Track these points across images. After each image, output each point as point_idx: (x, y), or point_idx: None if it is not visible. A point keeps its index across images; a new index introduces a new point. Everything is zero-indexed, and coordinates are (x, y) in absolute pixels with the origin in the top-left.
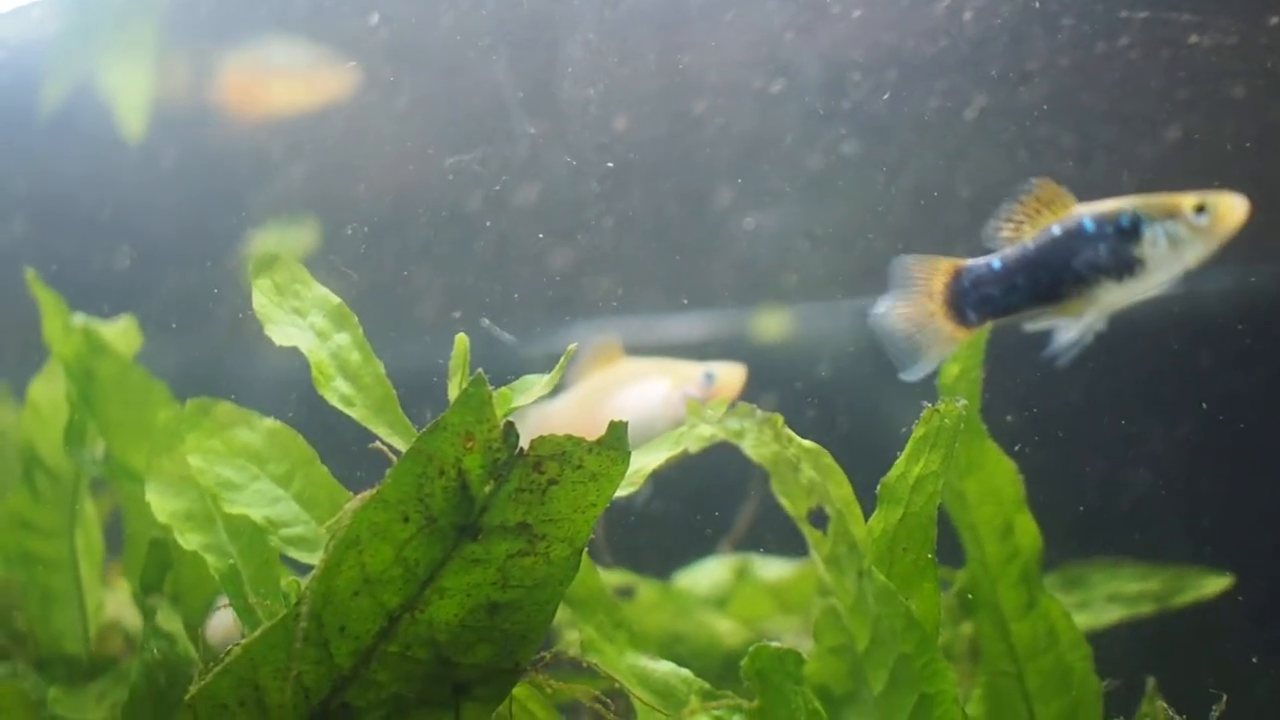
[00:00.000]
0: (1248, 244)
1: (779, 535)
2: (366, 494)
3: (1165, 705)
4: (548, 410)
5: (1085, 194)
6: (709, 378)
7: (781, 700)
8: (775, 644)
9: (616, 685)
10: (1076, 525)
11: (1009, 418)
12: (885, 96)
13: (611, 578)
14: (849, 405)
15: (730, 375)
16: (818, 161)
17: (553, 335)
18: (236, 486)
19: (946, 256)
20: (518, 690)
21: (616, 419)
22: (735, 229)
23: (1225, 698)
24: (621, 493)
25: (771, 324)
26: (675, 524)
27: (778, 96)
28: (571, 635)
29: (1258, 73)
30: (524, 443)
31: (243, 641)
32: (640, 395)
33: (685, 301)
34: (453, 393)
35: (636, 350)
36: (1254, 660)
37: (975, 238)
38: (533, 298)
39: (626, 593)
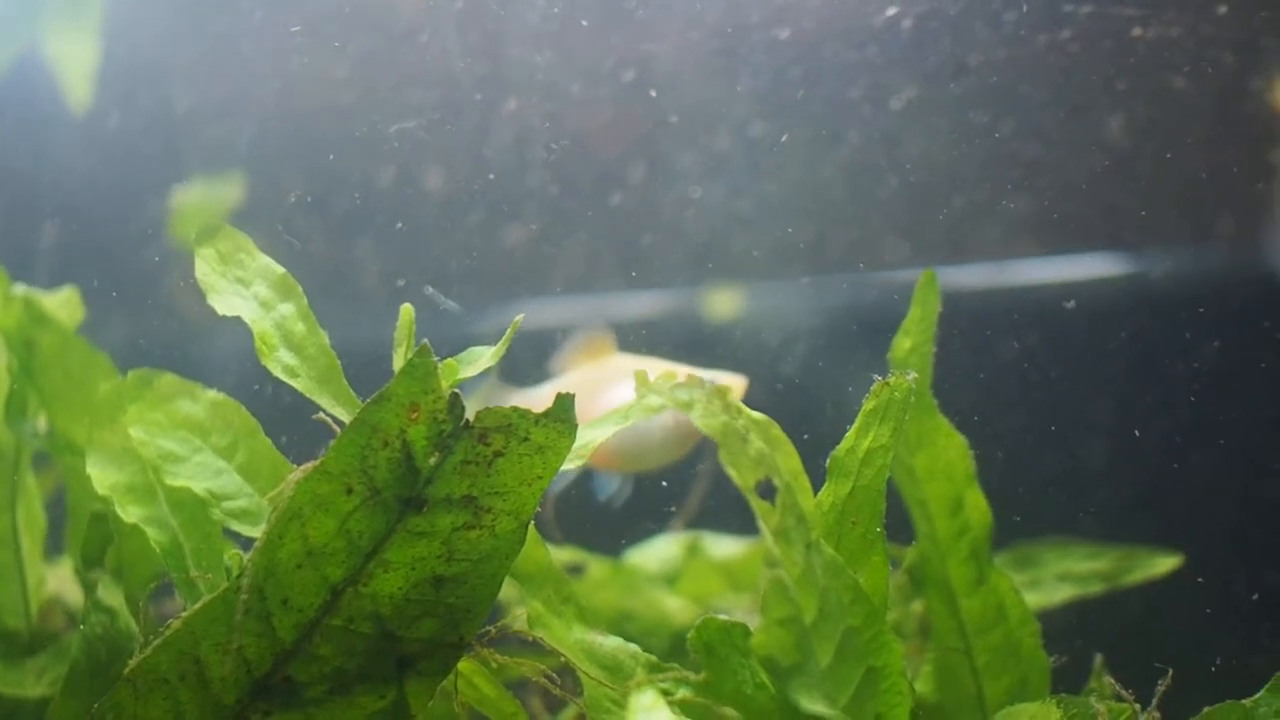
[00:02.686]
0: (1194, 227)
1: (731, 514)
2: (309, 465)
3: (1112, 680)
4: (531, 398)
5: (1025, 181)
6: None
7: (728, 672)
8: (723, 616)
9: (564, 662)
10: (1026, 506)
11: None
12: (836, 80)
13: (561, 555)
14: (802, 384)
15: (730, 385)
16: (770, 140)
17: (500, 312)
18: (178, 459)
19: None
20: (464, 665)
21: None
22: (687, 206)
23: (1171, 671)
24: (569, 466)
25: (723, 302)
26: (627, 503)
27: (729, 75)
28: (520, 612)
29: (1202, 64)
30: None
31: (183, 614)
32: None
33: (635, 278)
34: (398, 363)
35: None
36: (1204, 637)
37: (920, 221)
38: (480, 273)
39: (576, 570)
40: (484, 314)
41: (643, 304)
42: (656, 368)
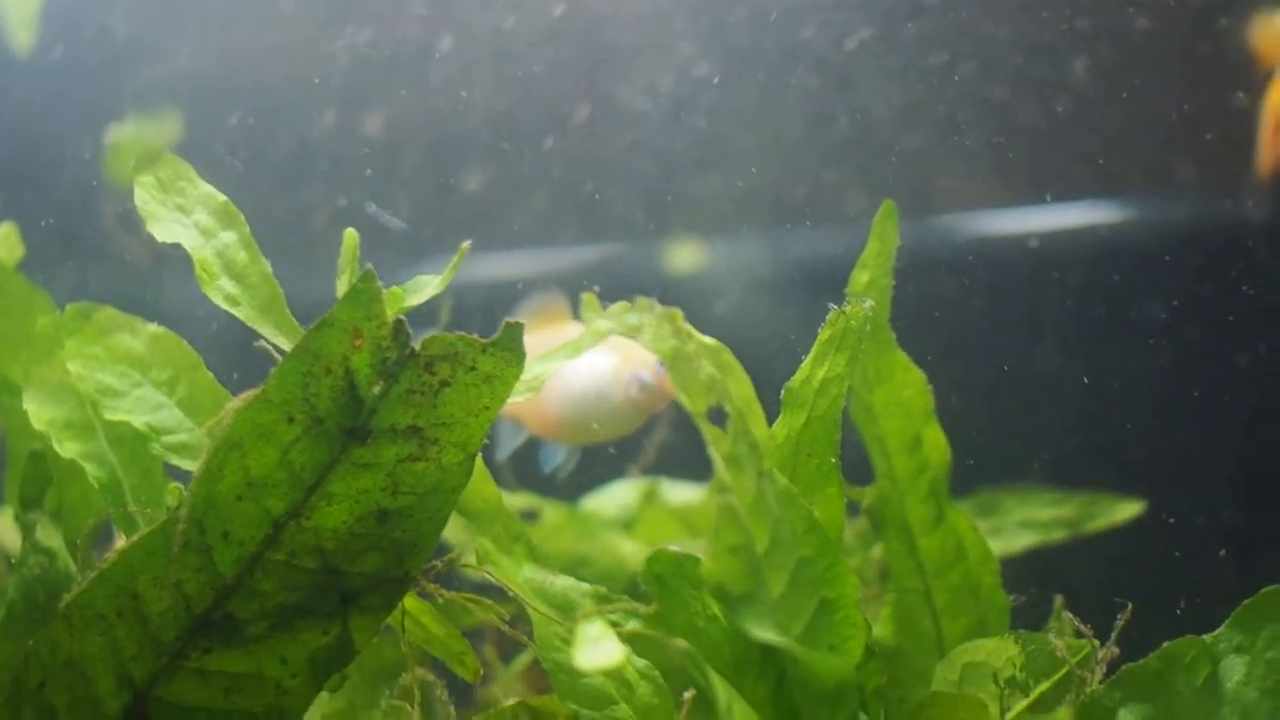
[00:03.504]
0: (1154, 177)
1: (689, 462)
2: (249, 394)
3: (1072, 618)
4: None
5: (980, 121)
6: (663, 364)
7: (679, 604)
8: (675, 548)
9: (518, 610)
10: (987, 454)
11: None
12: (793, 27)
13: (516, 500)
14: (762, 336)
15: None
16: (731, 93)
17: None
18: (117, 393)
19: None
20: (411, 604)
21: (558, 387)
22: (647, 157)
23: (1130, 606)
24: (518, 398)
25: (684, 255)
26: (584, 450)
27: (688, 24)
28: (470, 551)
29: (1168, 3)
30: None
31: (120, 547)
32: (588, 367)
33: (594, 230)
34: (341, 289)
35: (543, 279)
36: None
37: (878, 168)
38: (430, 224)
39: (531, 516)
40: (434, 265)
41: (598, 255)
42: (611, 340)
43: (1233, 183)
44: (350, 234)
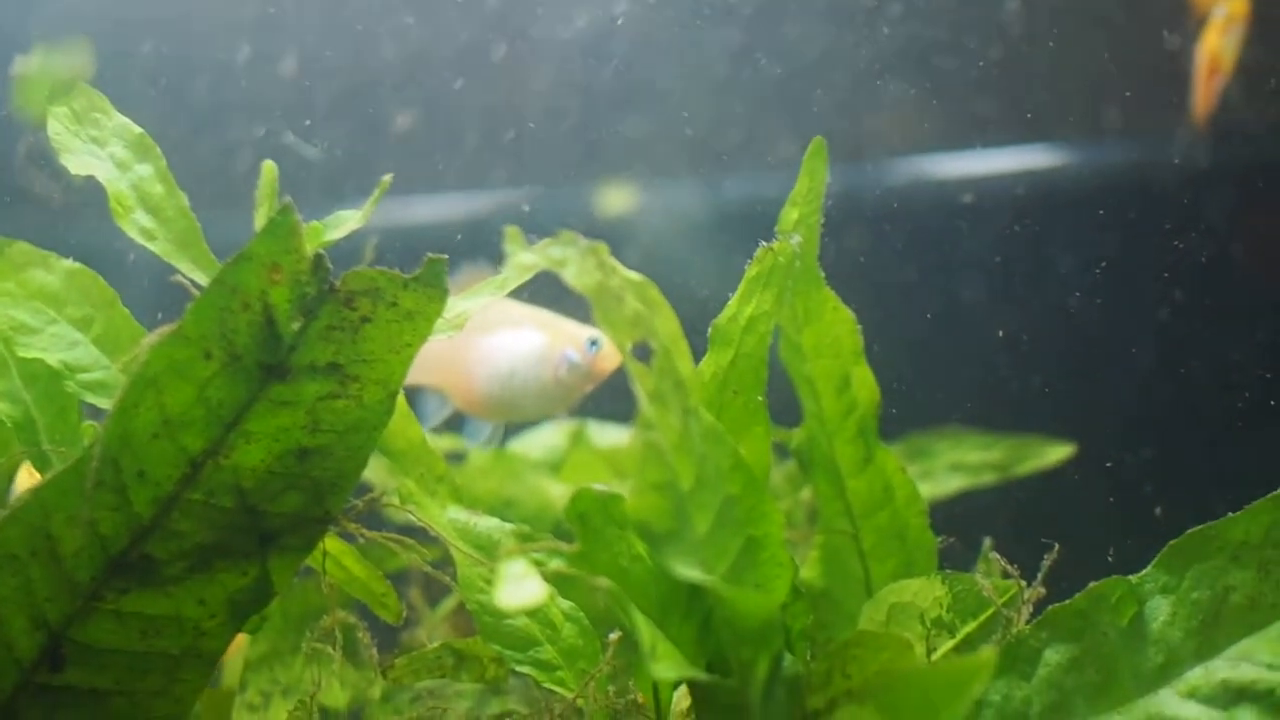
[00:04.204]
0: (1085, 122)
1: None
2: (165, 329)
3: (1000, 559)
4: None
5: (910, 66)
6: (594, 344)
7: (603, 544)
8: (599, 487)
9: (445, 552)
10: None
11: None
12: None
13: (441, 443)
14: (691, 280)
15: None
16: (668, 38)
17: (385, 207)
18: (31, 330)
19: None
20: (332, 545)
21: (485, 362)
22: (580, 102)
23: (1057, 546)
24: (440, 335)
25: (615, 199)
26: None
27: None
28: (390, 491)
29: None
30: None
31: (32, 486)
32: (516, 344)
33: (520, 173)
34: (259, 222)
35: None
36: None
37: (807, 112)
38: (364, 168)
39: (457, 458)
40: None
41: (528, 199)
42: (540, 317)
43: (1166, 128)
44: (269, 166)
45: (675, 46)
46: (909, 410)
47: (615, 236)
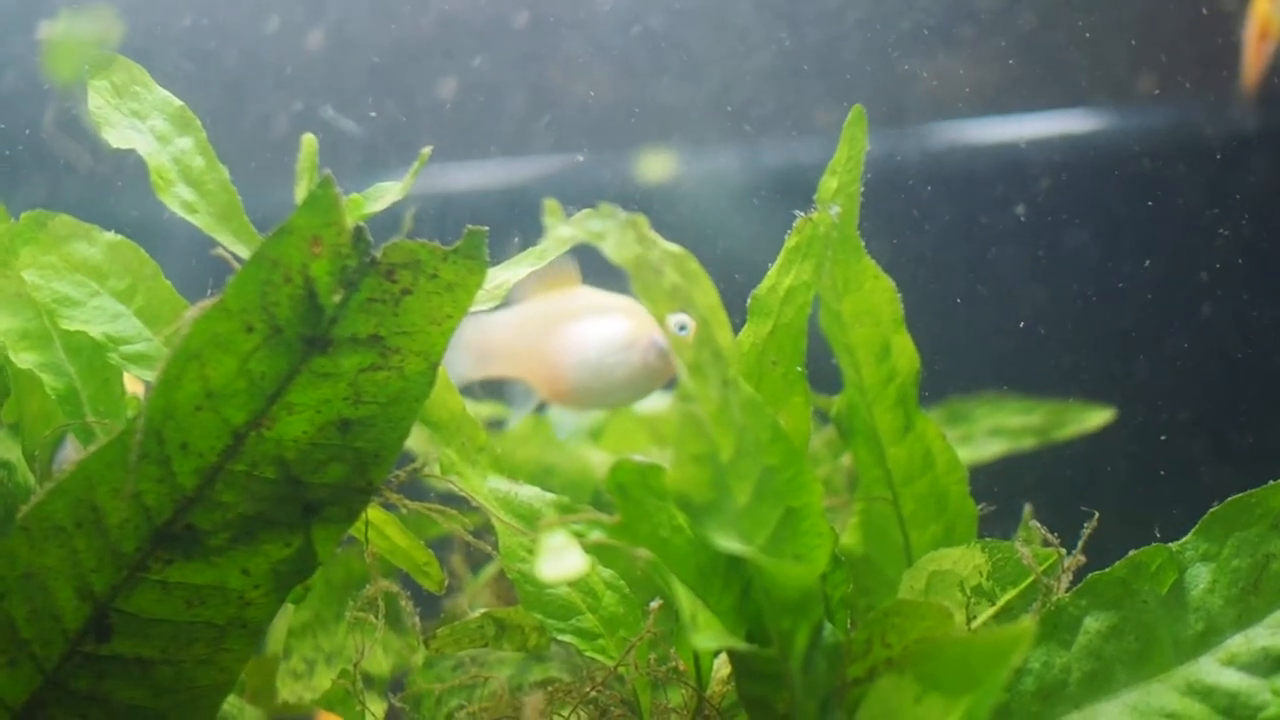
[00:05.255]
0: (1171, 83)
1: None
2: (207, 303)
3: (1040, 527)
4: (488, 322)
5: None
6: (682, 328)
7: (643, 515)
8: (639, 457)
9: (486, 521)
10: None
11: None
12: None
13: (482, 410)
14: (735, 246)
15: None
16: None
17: (428, 173)
18: (75, 303)
19: None
20: (374, 514)
21: (571, 351)
22: (621, 70)
23: (1097, 515)
24: (482, 307)
25: (656, 165)
26: None
27: None
28: (434, 461)
29: None
30: (467, 359)
31: (78, 459)
32: (603, 331)
33: (562, 141)
34: (300, 196)
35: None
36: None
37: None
38: (406, 134)
39: (498, 425)
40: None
41: (571, 165)
42: (623, 304)
43: (1216, 92)
44: (309, 139)
45: (715, 12)
46: (948, 376)
47: (655, 203)
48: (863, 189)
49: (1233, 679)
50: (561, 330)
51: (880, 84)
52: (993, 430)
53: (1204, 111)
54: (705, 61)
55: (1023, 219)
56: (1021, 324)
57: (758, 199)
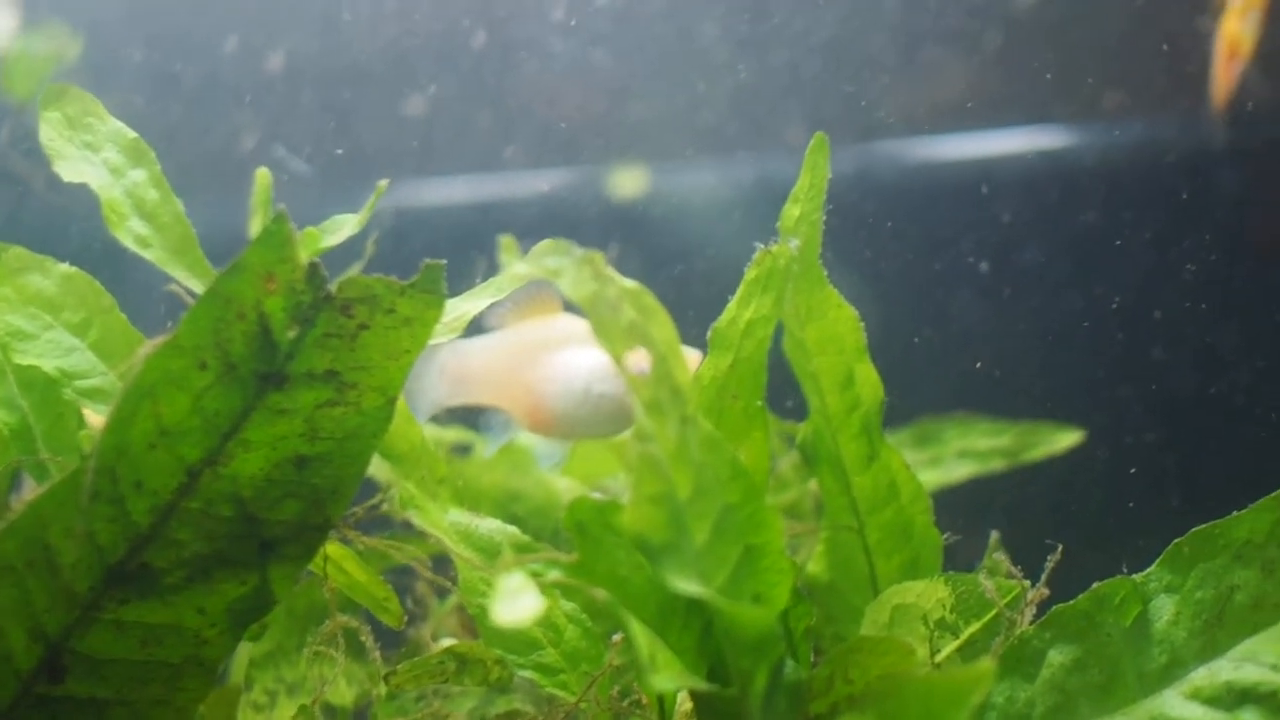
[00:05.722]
0: (1140, 101)
1: None
2: (160, 339)
3: (1005, 558)
4: (467, 348)
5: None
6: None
7: (602, 553)
8: (597, 495)
9: (444, 548)
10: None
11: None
12: None
13: (447, 435)
14: (708, 263)
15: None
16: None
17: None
18: (28, 336)
19: None
20: (334, 550)
21: (555, 380)
22: (592, 85)
23: (1061, 548)
24: (440, 340)
25: (628, 181)
26: None
27: None
28: (391, 493)
29: None
30: (439, 383)
31: (29, 498)
32: (587, 361)
33: (536, 156)
34: (254, 231)
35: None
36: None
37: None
38: (368, 151)
39: (464, 450)
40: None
41: (543, 182)
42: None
43: (1185, 110)
44: (262, 174)
45: (688, 28)
46: (916, 397)
47: (628, 218)
48: (831, 206)
49: (1196, 713)
50: (545, 359)
51: (849, 102)
52: (962, 452)
53: (1173, 130)
54: (679, 76)
55: (992, 237)
56: (990, 343)
57: (730, 215)
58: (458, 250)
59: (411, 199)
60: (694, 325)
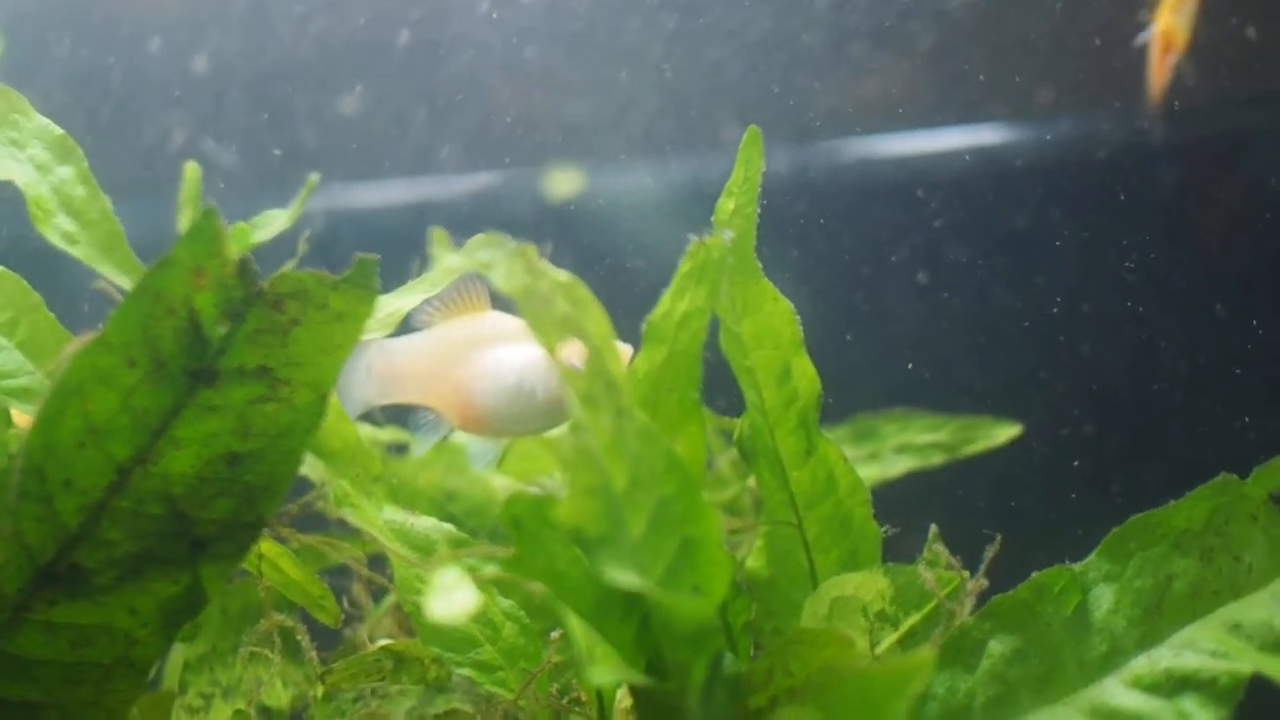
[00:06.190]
0: (1075, 96)
1: None
2: (88, 337)
3: (944, 550)
4: (395, 346)
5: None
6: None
7: (538, 548)
8: (534, 489)
9: (386, 549)
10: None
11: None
12: None
13: (383, 435)
14: (640, 264)
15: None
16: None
17: (326, 193)
18: None
19: None
20: (268, 548)
21: (487, 377)
22: (525, 87)
23: (1000, 538)
24: (375, 336)
25: (563, 182)
26: None
27: None
28: (325, 491)
29: None
30: (367, 382)
31: None
32: (520, 357)
33: (469, 158)
34: (183, 226)
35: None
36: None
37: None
38: (301, 154)
39: (400, 450)
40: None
41: (476, 183)
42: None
43: (1123, 105)
44: (192, 168)
45: (622, 27)
46: (853, 393)
47: (563, 218)
48: (765, 204)
49: (1136, 701)
50: (475, 356)
51: (782, 101)
52: (900, 447)
53: (1109, 125)
54: (613, 76)
55: (927, 236)
56: (929, 343)
57: (664, 215)
58: (391, 251)
59: (344, 201)
60: (627, 321)
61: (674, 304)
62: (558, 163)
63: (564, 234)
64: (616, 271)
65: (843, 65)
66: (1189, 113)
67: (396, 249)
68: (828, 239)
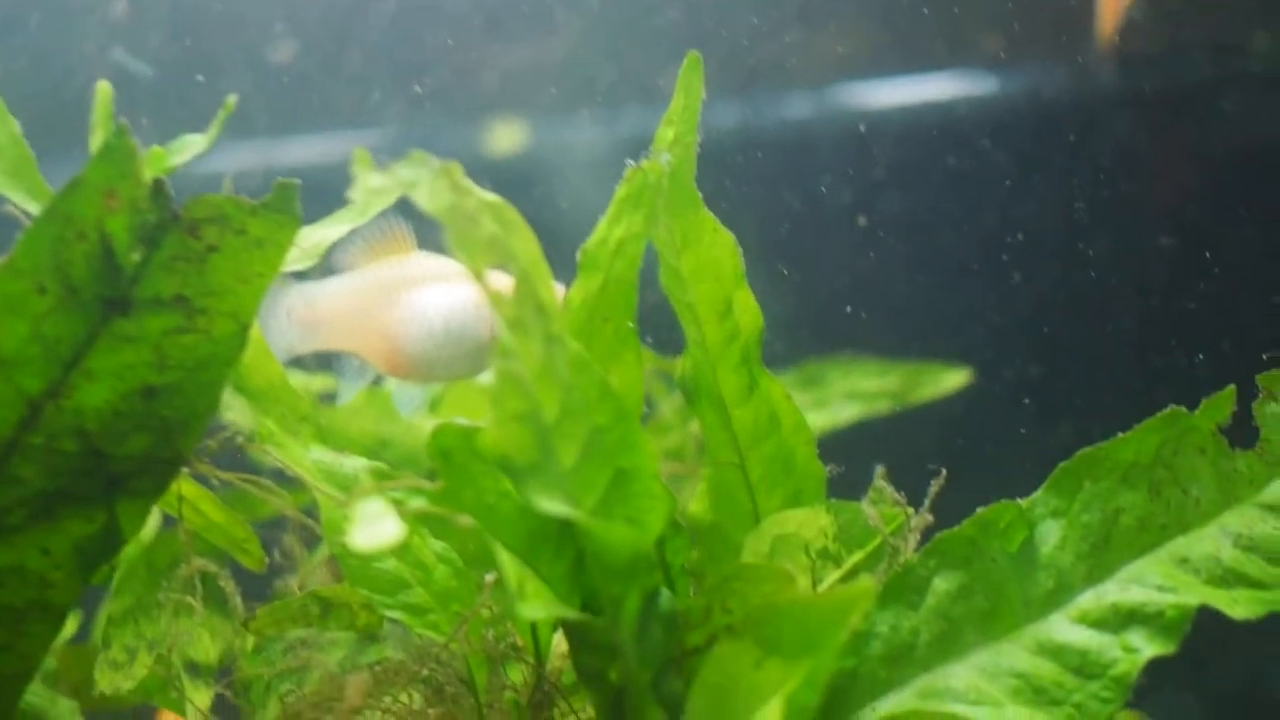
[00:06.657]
0: (1025, 44)
1: None
2: None
3: (889, 487)
4: (316, 290)
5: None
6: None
7: (467, 480)
8: (463, 421)
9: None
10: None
11: None
12: None
13: (314, 383)
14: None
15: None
16: None
17: (263, 147)
18: None
19: None
20: (190, 490)
21: (412, 321)
22: (465, 35)
23: (944, 471)
24: (299, 267)
25: (506, 136)
26: None
27: None
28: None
29: None
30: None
31: None
32: (446, 299)
33: (404, 111)
34: (94, 147)
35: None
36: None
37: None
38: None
39: (330, 398)
40: (246, 148)
41: (414, 138)
42: (461, 268)
43: (1075, 51)
44: (103, 87)
45: None
46: (801, 342)
47: (502, 173)
48: (715, 155)
49: (1083, 636)
50: (400, 299)
51: (729, 53)
52: (848, 394)
53: (1059, 73)
54: (552, 28)
55: (878, 185)
56: (876, 289)
57: (608, 168)
58: (322, 207)
59: (274, 158)
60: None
61: (610, 230)
62: (497, 116)
63: (503, 190)
64: (551, 222)
65: (789, 16)
66: (1143, 60)
67: (327, 205)
68: (777, 192)
